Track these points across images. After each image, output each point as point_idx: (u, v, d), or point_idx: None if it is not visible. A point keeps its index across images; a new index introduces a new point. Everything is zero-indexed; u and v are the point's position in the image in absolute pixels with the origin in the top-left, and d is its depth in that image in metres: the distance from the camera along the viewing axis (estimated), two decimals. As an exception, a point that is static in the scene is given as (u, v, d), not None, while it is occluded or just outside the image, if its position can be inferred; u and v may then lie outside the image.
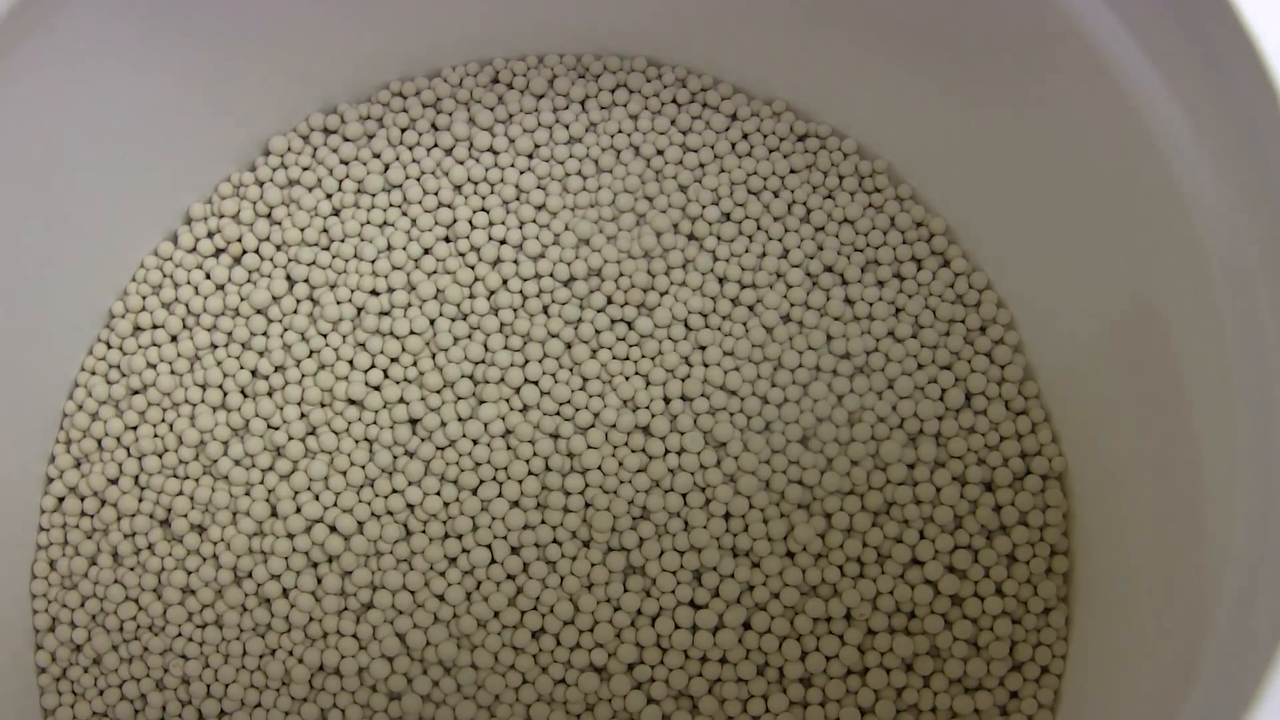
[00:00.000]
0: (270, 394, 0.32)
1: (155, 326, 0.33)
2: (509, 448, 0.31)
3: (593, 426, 0.31)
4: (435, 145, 0.34)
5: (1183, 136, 0.25)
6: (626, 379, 0.32)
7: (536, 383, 0.32)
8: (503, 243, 0.33)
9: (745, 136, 0.34)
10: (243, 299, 0.33)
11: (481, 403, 0.31)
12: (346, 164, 0.34)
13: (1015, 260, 0.32)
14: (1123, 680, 0.28)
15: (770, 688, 0.30)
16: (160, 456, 0.32)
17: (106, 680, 0.31)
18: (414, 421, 0.32)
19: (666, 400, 0.32)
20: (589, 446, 0.31)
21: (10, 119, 0.28)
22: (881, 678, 0.30)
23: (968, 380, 0.32)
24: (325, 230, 0.33)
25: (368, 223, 0.33)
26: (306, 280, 0.33)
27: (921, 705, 0.30)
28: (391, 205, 0.34)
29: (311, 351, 0.32)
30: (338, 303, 0.32)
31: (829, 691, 0.30)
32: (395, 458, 0.31)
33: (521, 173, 0.34)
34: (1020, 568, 0.31)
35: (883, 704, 0.30)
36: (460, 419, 0.31)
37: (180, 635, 0.31)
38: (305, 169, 0.34)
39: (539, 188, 0.34)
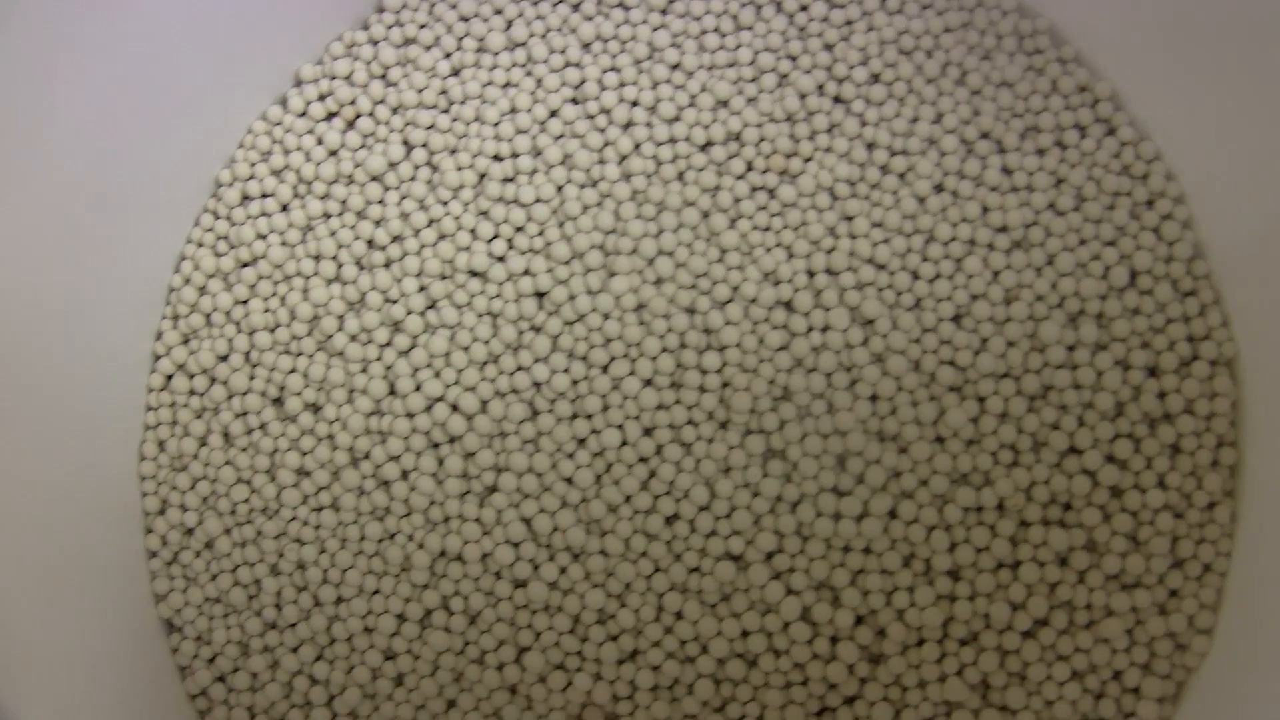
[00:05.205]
0: (387, 265, 0.31)
1: (265, 195, 0.32)
2: (642, 323, 0.30)
3: (731, 301, 0.30)
4: (561, 0, 0.33)
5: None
6: (768, 251, 0.31)
7: (671, 254, 0.30)
8: (635, 104, 0.32)
9: (896, -9, 0.33)
10: (357, 165, 0.32)
11: (613, 275, 0.30)
12: (466, 20, 0.33)
13: (1187, 129, 0.31)
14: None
15: (916, 580, 0.29)
16: (272, 332, 0.31)
17: (219, 565, 0.31)
18: (540, 295, 0.31)
19: (810, 274, 0.30)
20: (727, 322, 0.30)
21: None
22: (1034, 572, 0.29)
23: (1133, 258, 0.31)
24: (444, 92, 0.32)
25: (490, 83, 0.32)
26: (425, 145, 0.32)
27: (1076, 602, 0.29)
28: (515, 65, 0.32)
29: (431, 221, 0.31)
30: (458, 169, 0.31)
31: (978, 585, 0.29)
32: (520, 333, 0.30)
33: (655, 29, 0.32)
34: (1184, 459, 0.29)
35: (1035, 600, 0.29)
36: (590, 292, 0.30)
37: (295, 519, 0.31)
38: (422, 26, 0.33)
39: (673, 45, 0.32)
